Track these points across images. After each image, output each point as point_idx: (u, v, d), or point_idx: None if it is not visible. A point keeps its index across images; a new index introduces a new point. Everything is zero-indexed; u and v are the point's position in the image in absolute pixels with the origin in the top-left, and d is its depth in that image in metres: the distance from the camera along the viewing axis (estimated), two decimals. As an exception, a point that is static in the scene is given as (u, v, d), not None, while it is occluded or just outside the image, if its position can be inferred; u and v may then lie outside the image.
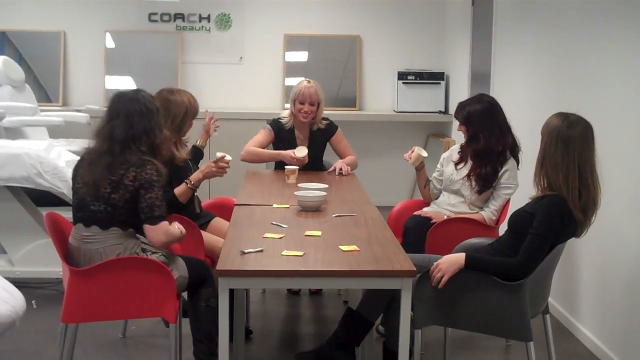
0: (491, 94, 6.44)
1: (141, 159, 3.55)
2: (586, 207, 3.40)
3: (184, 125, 4.44)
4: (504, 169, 4.52)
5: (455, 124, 5.01)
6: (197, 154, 4.96)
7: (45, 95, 8.25)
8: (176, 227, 3.64)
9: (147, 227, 3.54)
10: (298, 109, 5.24)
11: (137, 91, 3.75)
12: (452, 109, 7.92)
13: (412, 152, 4.86)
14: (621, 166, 4.17)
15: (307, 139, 5.39)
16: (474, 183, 4.57)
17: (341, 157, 5.44)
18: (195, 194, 4.47)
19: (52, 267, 5.09)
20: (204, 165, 4.47)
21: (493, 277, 3.35)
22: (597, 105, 4.47)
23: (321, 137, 5.43)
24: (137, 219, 3.55)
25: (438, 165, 4.90)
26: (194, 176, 4.32)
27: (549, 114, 3.57)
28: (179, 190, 4.28)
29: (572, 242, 3.56)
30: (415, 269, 3.11)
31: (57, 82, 8.40)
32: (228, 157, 4.42)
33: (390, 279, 3.09)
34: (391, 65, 8.45)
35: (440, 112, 8.18)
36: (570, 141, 3.36)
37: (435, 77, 8.28)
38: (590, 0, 4.73)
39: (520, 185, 4.55)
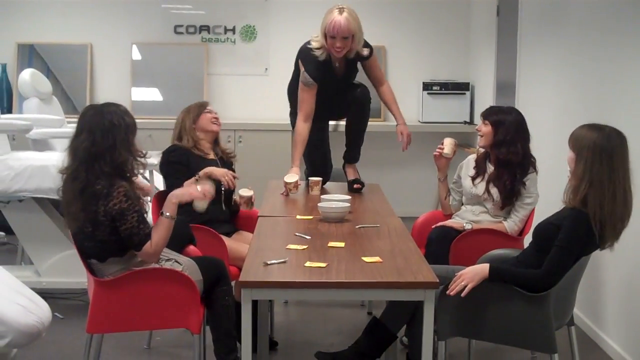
0: (516, 105, 6.44)
1: (105, 187, 3.40)
2: (621, 221, 3.37)
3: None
4: (525, 179, 4.49)
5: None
6: (229, 200, 4.88)
7: (72, 107, 8.32)
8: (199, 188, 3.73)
9: (135, 253, 3.54)
10: (330, 44, 4.71)
11: (105, 104, 3.57)
12: (477, 119, 7.93)
13: (442, 144, 4.82)
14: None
15: (343, 66, 4.97)
16: (496, 196, 4.54)
17: (374, 82, 5.20)
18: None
19: (78, 278, 5.08)
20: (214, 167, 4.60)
21: (517, 289, 3.34)
22: (626, 115, 4.44)
23: (355, 62, 5.04)
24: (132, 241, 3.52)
25: (455, 176, 4.88)
26: (201, 172, 4.45)
27: (574, 124, 3.53)
28: (187, 183, 4.31)
29: (596, 252, 3.53)
30: (438, 280, 3.10)
31: (84, 94, 8.48)
32: (248, 194, 4.67)
33: (413, 290, 3.09)
34: (416, 75, 8.45)
35: (465, 122, 8.17)
36: (614, 155, 3.32)
37: (460, 88, 8.28)
38: (617, 8, 4.70)
39: (541, 195, 4.53)
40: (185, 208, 3.86)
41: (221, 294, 3.75)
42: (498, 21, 7.34)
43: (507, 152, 4.48)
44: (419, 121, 8.34)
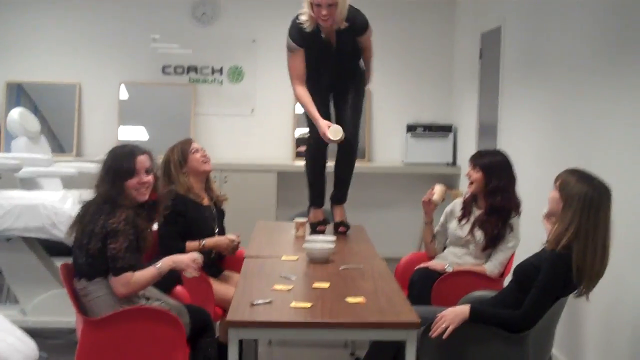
0: (498, 147, 6.56)
1: (111, 207, 3.61)
2: (597, 276, 3.48)
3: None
4: (510, 223, 4.59)
5: (464, 174, 5.06)
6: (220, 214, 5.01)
7: (58, 146, 8.39)
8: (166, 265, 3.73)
9: (110, 277, 3.61)
10: (316, 12, 4.65)
11: (121, 146, 3.91)
12: (460, 161, 8.08)
13: (433, 190, 4.90)
14: (624, 218, 4.25)
15: (335, 41, 4.89)
16: (479, 238, 4.63)
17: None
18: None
19: (65, 317, 5.17)
20: (220, 237, 4.67)
21: (497, 329, 3.42)
22: (599, 158, 4.56)
23: (349, 36, 4.90)
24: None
25: (442, 219, 4.97)
26: (208, 242, 4.51)
27: (554, 167, 3.67)
28: (190, 246, 4.43)
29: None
30: (419, 320, 3.18)
31: (72, 133, 8.55)
32: (239, 239, 4.69)
33: (396, 330, 3.18)
34: (400, 117, 8.58)
35: (448, 164, 8.28)
36: (600, 211, 3.44)
37: (443, 130, 8.40)
38: (593, 54, 4.85)
39: (523, 238, 4.63)
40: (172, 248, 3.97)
41: (205, 345, 3.81)
42: (481, 64, 7.50)
43: (502, 200, 4.58)
44: (403, 162, 8.46)
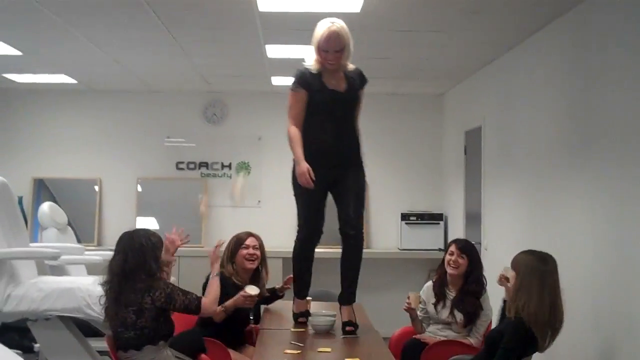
0: (482, 233, 7.27)
1: (146, 285, 4.23)
2: (553, 327, 4.18)
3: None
4: (482, 300, 5.27)
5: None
6: (274, 296, 5.82)
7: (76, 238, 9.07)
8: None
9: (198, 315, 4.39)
10: (323, 57, 4.62)
11: (135, 230, 4.50)
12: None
13: (409, 298, 5.47)
14: (581, 288, 4.95)
15: (344, 88, 4.75)
16: (459, 318, 5.27)
17: None
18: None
19: (96, 389, 5.80)
20: (236, 297, 5.15)
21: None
22: (563, 240, 5.28)
23: (355, 89, 4.82)
24: (162, 331, 4.29)
25: (421, 305, 5.54)
26: (228, 304, 5.10)
27: (529, 246, 4.41)
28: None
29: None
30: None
31: (92, 224, 9.29)
32: (255, 292, 5.15)
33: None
34: (395, 207, 9.37)
35: (439, 249, 8.96)
36: (545, 274, 4.20)
37: (434, 218, 9.17)
38: (553, 153, 5.61)
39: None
40: (204, 320, 4.76)
41: None
42: (466, 160, 8.27)
43: (476, 285, 5.28)
44: (398, 248, 9.16)
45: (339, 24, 4.55)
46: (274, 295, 5.86)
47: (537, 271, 4.18)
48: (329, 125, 4.73)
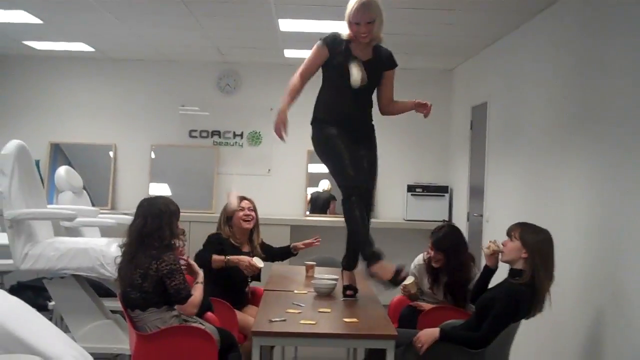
0: (484, 206, 7.47)
1: (157, 253, 4.43)
2: (545, 292, 4.42)
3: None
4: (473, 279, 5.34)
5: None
6: (287, 252, 6.15)
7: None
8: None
9: (178, 306, 4.52)
10: (355, 30, 4.64)
11: (155, 197, 4.74)
12: (455, 218, 8.97)
13: (405, 287, 5.45)
14: (572, 259, 5.16)
15: (367, 60, 4.80)
16: (452, 300, 5.43)
17: (385, 100, 5.08)
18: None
19: (109, 344, 6.04)
20: (243, 256, 5.51)
21: (462, 347, 4.34)
22: (558, 213, 5.49)
23: (378, 65, 4.86)
24: (166, 298, 4.48)
25: (413, 271, 5.68)
26: (232, 258, 5.42)
27: (529, 219, 4.65)
28: (216, 258, 5.40)
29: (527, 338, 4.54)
30: (396, 334, 4.13)
31: (107, 189, 9.56)
32: (260, 265, 5.49)
33: (378, 340, 4.15)
34: (401, 178, 9.59)
35: (444, 221, 9.10)
36: (549, 252, 4.46)
37: (440, 190, 9.39)
38: (553, 130, 5.81)
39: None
40: (211, 279, 5.02)
41: (232, 358, 4.72)
42: (471, 134, 8.46)
43: (464, 272, 5.35)
44: (404, 219, 9.39)
45: None
46: (288, 252, 6.16)
47: (545, 248, 4.42)
48: (346, 91, 4.76)
